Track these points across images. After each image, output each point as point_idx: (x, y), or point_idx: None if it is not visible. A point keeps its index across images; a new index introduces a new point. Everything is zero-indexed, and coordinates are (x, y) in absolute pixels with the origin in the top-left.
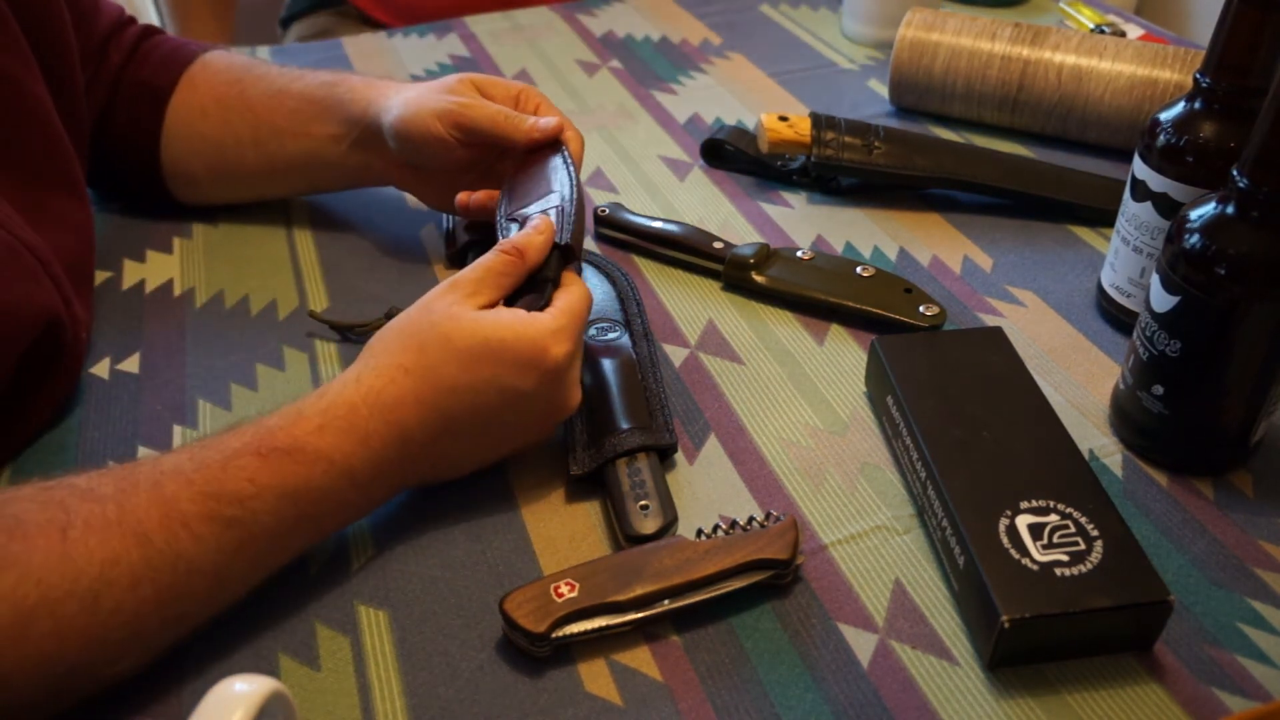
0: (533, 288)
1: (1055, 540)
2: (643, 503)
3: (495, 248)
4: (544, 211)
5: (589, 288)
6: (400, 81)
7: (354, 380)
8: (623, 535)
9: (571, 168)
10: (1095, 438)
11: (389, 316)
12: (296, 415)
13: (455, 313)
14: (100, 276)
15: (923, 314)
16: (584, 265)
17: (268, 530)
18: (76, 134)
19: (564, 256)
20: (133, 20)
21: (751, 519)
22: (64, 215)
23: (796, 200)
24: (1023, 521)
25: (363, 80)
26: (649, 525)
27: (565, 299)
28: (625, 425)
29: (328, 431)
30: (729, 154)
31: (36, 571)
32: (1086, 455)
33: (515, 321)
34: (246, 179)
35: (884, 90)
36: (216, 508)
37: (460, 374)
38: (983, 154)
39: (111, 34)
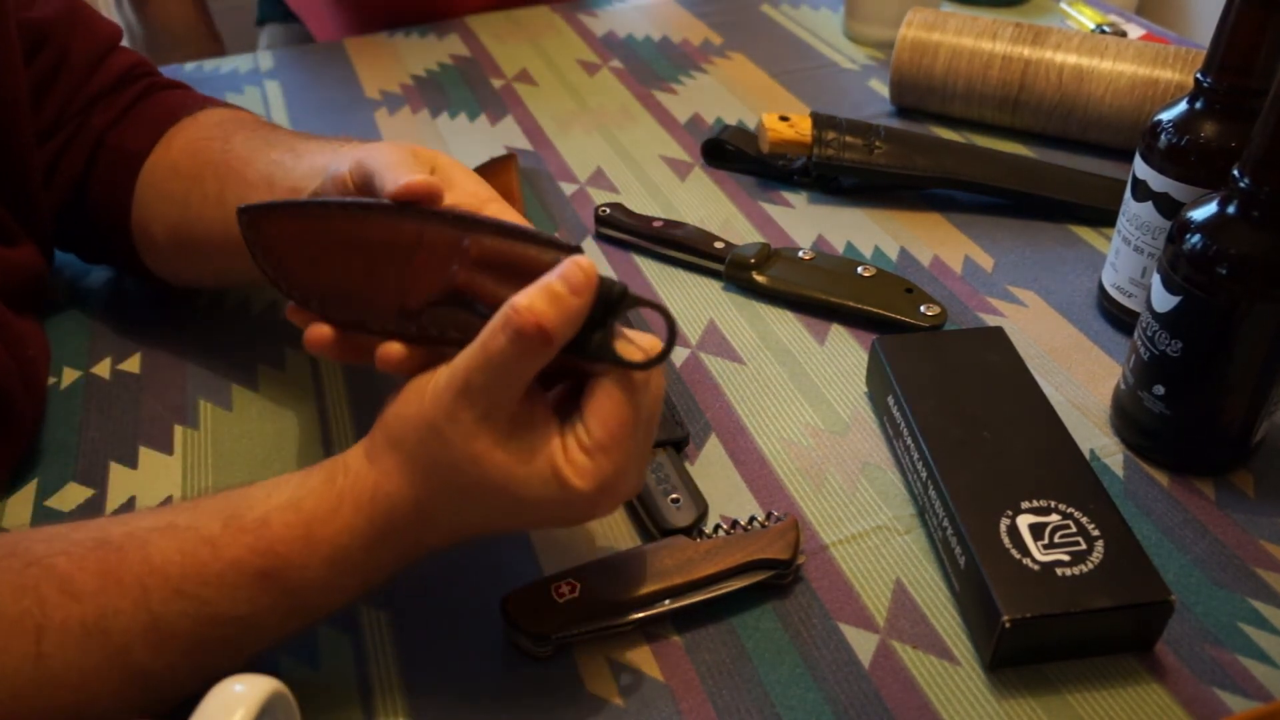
0: (580, 348)
1: (1056, 540)
2: (672, 496)
3: (501, 316)
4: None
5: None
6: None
7: (368, 500)
8: (658, 531)
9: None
10: (1096, 437)
11: None
12: (305, 535)
13: (477, 454)
14: (101, 277)
15: (924, 314)
16: None
17: (266, 635)
18: (11, 177)
19: (608, 315)
20: (145, 74)
21: (752, 519)
22: None
23: (797, 200)
24: (1024, 521)
25: (363, 140)
26: (683, 518)
27: (603, 421)
28: None
29: (339, 564)
30: (730, 154)
31: (10, 679)
32: (1087, 455)
33: (552, 479)
34: (203, 248)
35: (885, 90)
36: (212, 630)
37: (489, 519)
38: (984, 154)
39: (105, 93)
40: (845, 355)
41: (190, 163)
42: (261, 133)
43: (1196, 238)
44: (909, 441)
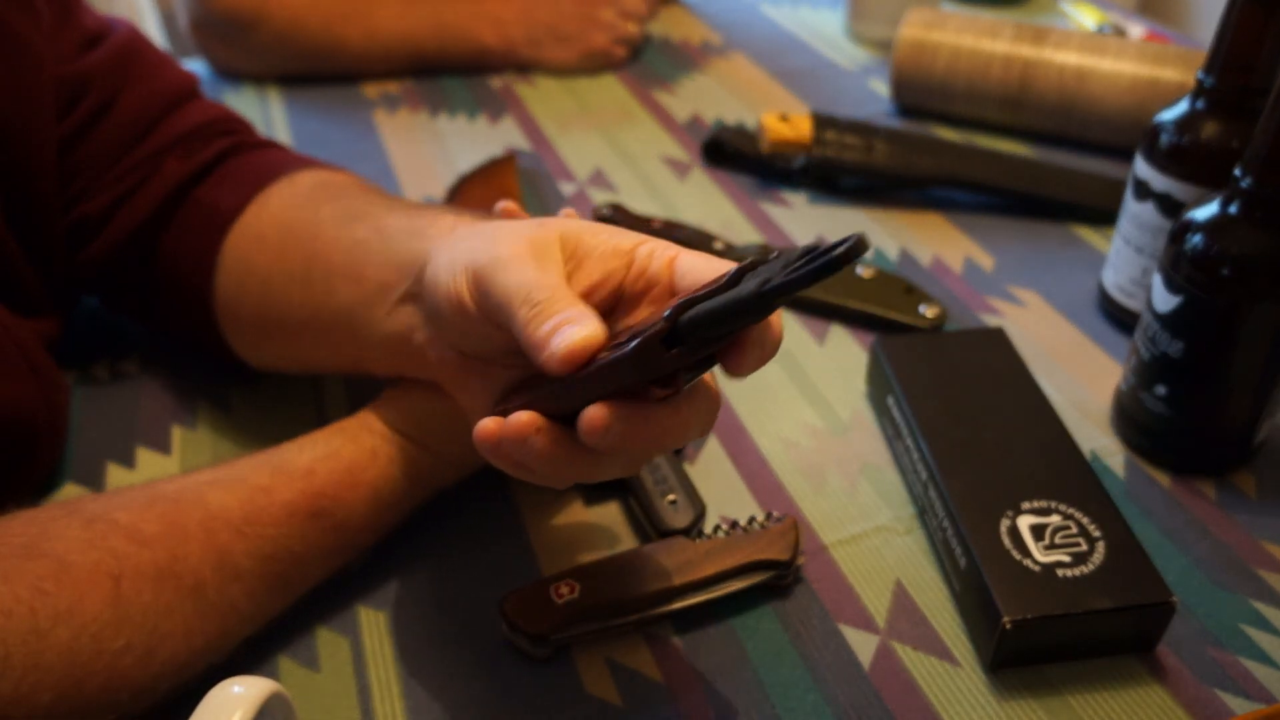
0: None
1: (1057, 541)
2: (670, 497)
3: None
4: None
5: None
6: (526, 219)
7: (399, 454)
8: (655, 533)
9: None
10: (1097, 438)
11: None
12: (349, 480)
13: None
14: None
15: (924, 314)
16: None
17: (314, 578)
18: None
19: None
20: (231, 130)
21: (752, 519)
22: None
23: (797, 200)
24: (1024, 522)
25: (458, 215)
26: (681, 519)
27: None
28: None
29: (378, 504)
30: (730, 154)
31: (91, 625)
32: (1088, 456)
33: None
34: (290, 332)
35: (885, 90)
36: (271, 567)
37: None
38: (984, 154)
39: (178, 142)
40: (845, 355)
41: (277, 234)
42: (350, 203)
43: (1198, 238)
44: (909, 442)
